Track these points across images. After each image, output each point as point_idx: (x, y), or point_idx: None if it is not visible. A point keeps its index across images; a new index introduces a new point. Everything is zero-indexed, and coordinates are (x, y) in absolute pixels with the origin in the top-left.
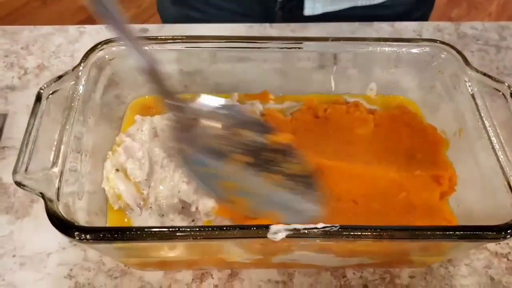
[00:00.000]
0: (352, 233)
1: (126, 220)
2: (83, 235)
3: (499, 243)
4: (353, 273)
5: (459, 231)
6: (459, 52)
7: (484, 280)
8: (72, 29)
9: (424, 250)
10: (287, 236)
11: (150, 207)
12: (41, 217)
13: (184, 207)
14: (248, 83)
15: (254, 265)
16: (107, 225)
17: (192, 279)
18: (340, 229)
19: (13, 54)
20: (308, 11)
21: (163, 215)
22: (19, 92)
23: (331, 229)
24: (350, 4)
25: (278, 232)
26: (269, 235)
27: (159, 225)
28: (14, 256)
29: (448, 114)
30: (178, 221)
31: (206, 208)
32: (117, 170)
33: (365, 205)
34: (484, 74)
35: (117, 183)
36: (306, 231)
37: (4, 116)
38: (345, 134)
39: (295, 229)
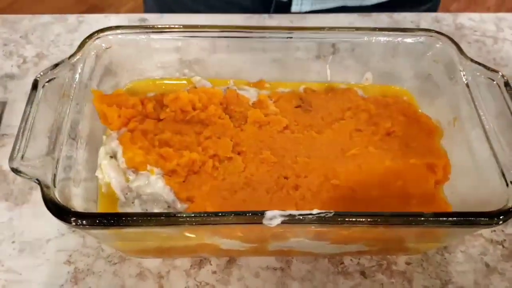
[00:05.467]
0: (346, 219)
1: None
2: (79, 221)
3: (495, 230)
4: (351, 259)
5: (453, 217)
6: (454, 42)
7: (480, 267)
8: (71, 18)
9: (420, 237)
10: (282, 222)
11: (133, 203)
12: (40, 204)
13: (170, 207)
14: (246, 72)
15: (251, 253)
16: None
17: (191, 266)
18: (334, 215)
19: (12, 42)
20: (295, 8)
21: (147, 210)
22: (18, 81)
23: (326, 215)
24: (338, 4)
25: (274, 218)
26: (265, 221)
27: None
28: (13, 242)
29: (443, 103)
30: None
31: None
32: (111, 157)
33: (363, 193)
34: (479, 64)
35: (109, 170)
36: (301, 217)
37: (3, 104)
38: (336, 123)
39: (290, 215)
